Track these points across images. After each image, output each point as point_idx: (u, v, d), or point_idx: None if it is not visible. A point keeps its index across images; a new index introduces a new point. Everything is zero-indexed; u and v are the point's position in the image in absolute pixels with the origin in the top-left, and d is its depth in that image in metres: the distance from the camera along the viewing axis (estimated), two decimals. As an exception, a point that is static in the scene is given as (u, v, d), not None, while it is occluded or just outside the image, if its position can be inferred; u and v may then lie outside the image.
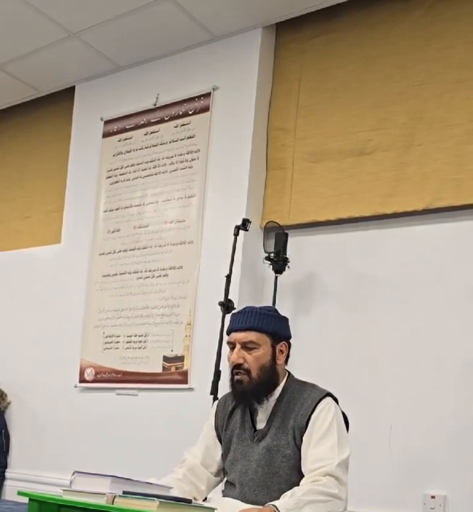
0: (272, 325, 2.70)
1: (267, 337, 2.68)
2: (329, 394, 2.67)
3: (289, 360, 2.80)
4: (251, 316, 2.70)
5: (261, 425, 2.71)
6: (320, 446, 2.54)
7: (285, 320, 2.80)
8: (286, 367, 2.80)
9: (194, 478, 2.75)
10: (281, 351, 2.72)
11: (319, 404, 2.61)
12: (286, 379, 2.75)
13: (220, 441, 2.81)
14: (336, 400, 2.68)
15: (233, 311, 2.85)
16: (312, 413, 2.60)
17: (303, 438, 2.59)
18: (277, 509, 2.35)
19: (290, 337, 2.79)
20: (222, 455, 2.79)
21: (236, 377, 2.68)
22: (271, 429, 2.66)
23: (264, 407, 2.70)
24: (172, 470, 2.79)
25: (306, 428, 2.59)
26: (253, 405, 2.73)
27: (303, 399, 2.65)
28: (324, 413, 2.60)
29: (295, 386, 2.73)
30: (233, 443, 2.74)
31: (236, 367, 2.68)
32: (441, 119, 4.03)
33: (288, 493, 2.43)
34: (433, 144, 4.04)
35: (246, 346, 2.67)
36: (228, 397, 2.85)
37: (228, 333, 2.75)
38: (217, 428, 2.83)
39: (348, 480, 2.52)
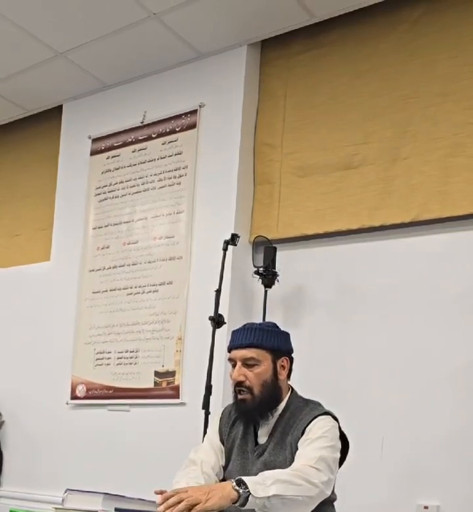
0: (272, 341, 2.71)
1: (268, 353, 2.71)
2: (330, 413, 2.69)
3: (291, 375, 2.83)
4: (251, 333, 2.72)
5: (262, 439, 2.73)
6: (307, 447, 2.55)
7: (285, 334, 2.81)
8: (289, 383, 2.82)
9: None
10: (282, 366, 2.74)
11: (317, 418, 2.63)
12: (289, 395, 2.77)
13: (224, 446, 2.84)
14: (337, 420, 2.70)
15: (233, 328, 2.86)
16: (308, 425, 2.61)
17: (298, 445, 2.61)
18: (242, 480, 2.35)
19: (291, 351, 2.81)
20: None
21: (240, 396, 2.70)
22: (270, 445, 2.68)
23: (267, 422, 2.72)
24: (187, 472, 2.75)
25: (301, 437, 2.60)
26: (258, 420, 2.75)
27: (302, 415, 2.67)
28: (320, 423, 2.61)
29: (297, 403, 2.75)
30: (233, 454, 2.77)
31: (238, 385, 2.70)
32: (426, 132, 4.06)
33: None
34: (419, 157, 4.06)
35: (247, 363, 2.70)
36: (232, 408, 2.87)
37: (229, 351, 2.77)
38: (221, 435, 2.85)
39: (333, 477, 2.54)
